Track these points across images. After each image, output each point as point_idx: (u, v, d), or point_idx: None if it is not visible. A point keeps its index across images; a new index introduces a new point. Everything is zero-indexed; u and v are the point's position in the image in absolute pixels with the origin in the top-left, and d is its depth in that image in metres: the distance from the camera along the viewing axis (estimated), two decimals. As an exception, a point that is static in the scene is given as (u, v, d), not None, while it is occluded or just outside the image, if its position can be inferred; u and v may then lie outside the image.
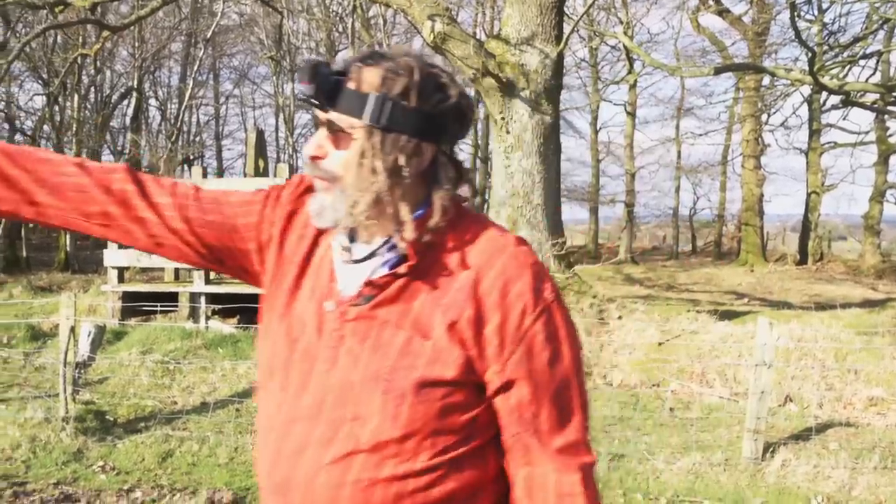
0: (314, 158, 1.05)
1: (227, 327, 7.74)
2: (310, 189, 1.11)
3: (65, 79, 15.71)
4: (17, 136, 17.61)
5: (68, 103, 17.92)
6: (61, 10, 8.05)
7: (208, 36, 20.32)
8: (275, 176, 10.72)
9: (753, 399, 4.54)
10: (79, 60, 15.64)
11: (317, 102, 1.01)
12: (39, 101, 20.23)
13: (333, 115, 1.01)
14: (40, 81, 18.47)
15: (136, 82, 20.42)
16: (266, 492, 1.11)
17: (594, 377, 6.46)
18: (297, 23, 21.39)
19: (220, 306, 8.16)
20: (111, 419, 5.13)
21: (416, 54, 1.05)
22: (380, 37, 17.50)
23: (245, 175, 12.58)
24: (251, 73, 28.75)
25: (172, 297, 8.23)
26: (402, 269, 1.04)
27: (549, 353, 1.03)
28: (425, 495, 1.01)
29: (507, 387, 1.03)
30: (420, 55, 1.05)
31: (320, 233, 1.13)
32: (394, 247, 1.05)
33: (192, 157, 23.29)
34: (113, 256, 8.49)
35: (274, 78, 23.28)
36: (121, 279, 8.67)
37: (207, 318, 8.03)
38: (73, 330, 4.98)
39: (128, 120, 22.39)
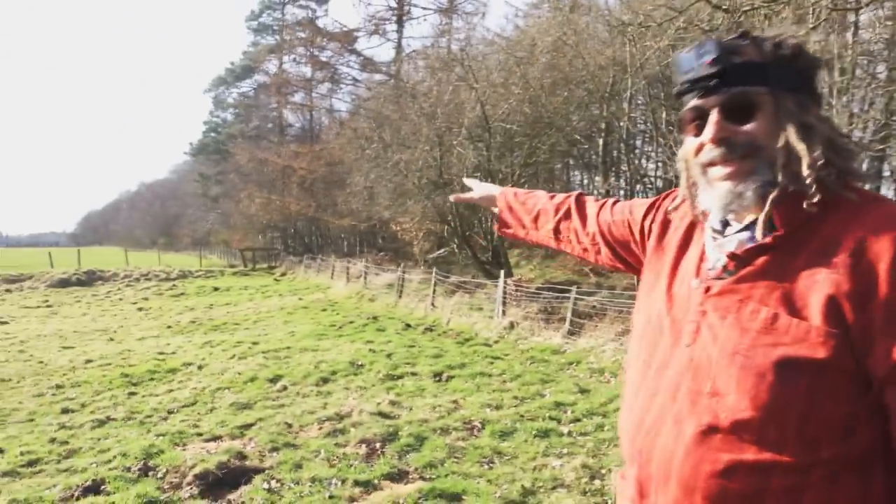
0: (722, 140, 1.06)
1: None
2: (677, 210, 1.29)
3: None
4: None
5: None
6: None
7: None
8: None
9: None
10: None
11: (714, 83, 1.06)
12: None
13: (734, 91, 1.05)
14: None
15: None
16: (628, 459, 1.16)
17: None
18: None
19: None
20: None
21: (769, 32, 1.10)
22: None
23: None
24: None
25: None
26: (768, 239, 1.04)
27: None
28: (793, 498, 0.93)
29: None
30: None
31: (693, 226, 1.23)
32: (768, 222, 1.05)
33: None
34: None
35: None
36: None
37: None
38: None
39: None
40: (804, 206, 1.01)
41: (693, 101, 1.10)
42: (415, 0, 35.70)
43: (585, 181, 27.14)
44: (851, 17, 12.60)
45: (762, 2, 9.18)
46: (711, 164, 1.08)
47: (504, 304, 11.52)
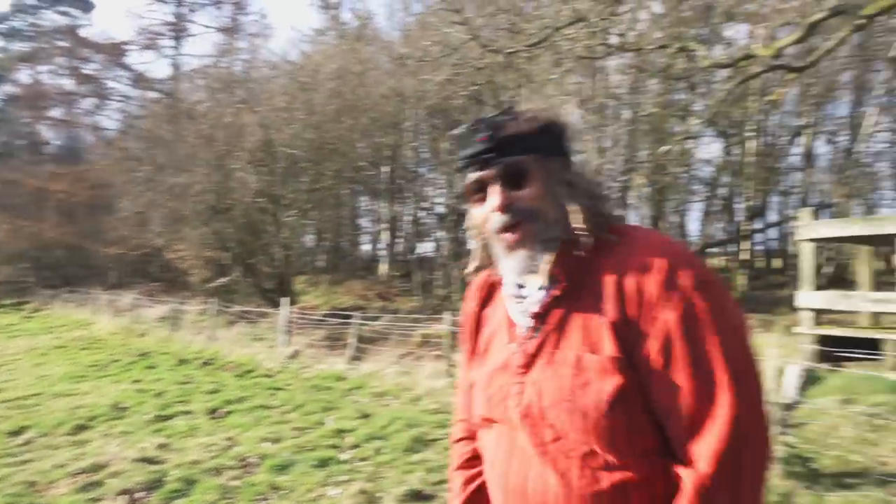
0: (505, 207, 1.17)
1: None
2: (483, 286, 1.37)
3: (744, 127, 17.08)
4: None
5: (740, 150, 18.97)
6: (747, 65, 8.24)
7: (893, 54, 17.81)
8: None
9: None
10: (760, 107, 16.56)
11: (490, 155, 1.17)
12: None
13: (508, 161, 1.17)
14: (716, 132, 19.82)
15: (808, 119, 20.01)
16: None
17: None
18: None
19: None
20: (816, 468, 4.80)
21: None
22: None
23: None
24: None
25: (872, 344, 7.57)
26: (557, 292, 1.17)
27: (695, 336, 1.06)
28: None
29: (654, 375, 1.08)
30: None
31: (491, 296, 1.35)
32: (552, 276, 1.17)
33: (866, 192, 22.19)
34: (808, 298, 8.37)
35: None
36: (816, 322, 8.32)
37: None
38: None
39: (797, 159, 21.82)
40: (574, 253, 1.15)
41: (473, 175, 1.20)
42: (194, 16, 33.98)
43: (372, 207, 27.58)
44: (602, 64, 14.33)
45: (524, 46, 10.08)
46: (503, 230, 1.18)
47: (288, 332, 11.25)
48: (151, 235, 20.15)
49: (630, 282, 1.10)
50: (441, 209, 26.01)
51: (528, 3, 12.83)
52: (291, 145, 18.07)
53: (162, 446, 5.76)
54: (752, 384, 1.06)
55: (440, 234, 23.25)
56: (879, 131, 24.12)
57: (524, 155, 1.17)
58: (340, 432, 6.11)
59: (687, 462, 1.05)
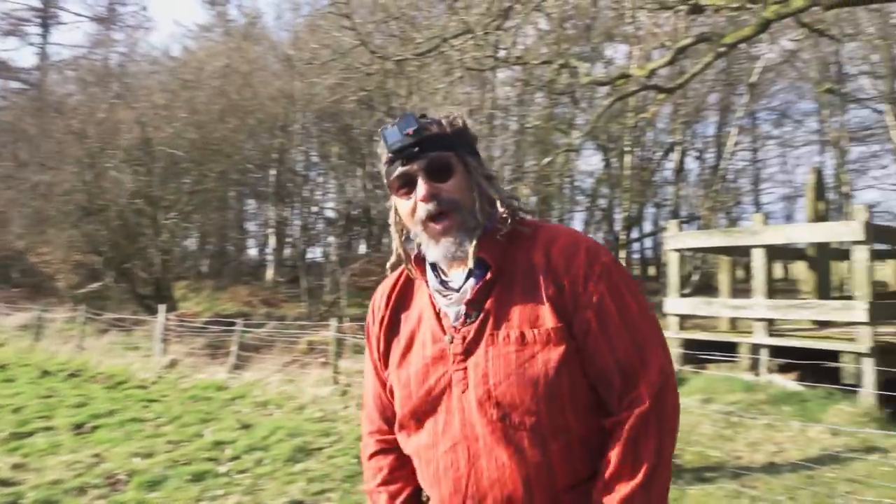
0: (432, 197, 1.25)
1: (792, 383, 7.20)
2: (392, 289, 1.42)
3: (621, 142, 18.27)
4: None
5: (618, 163, 20.19)
6: (623, 84, 8.48)
7: (753, 80, 20.28)
8: (844, 219, 9.56)
9: None
10: (636, 123, 17.58)
11: (416, 151, 1.26)
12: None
13: (433, 156, 1.26)
14: (596, 145, 21.12)
15: (679, 137, 20.96)
16: None
17: None
18: (846, 48, 20.74)
19: (782, 360, 7.58)
20: (680, 464, 4.98)
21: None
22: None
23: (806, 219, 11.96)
24: (790, 110, 26.45)
25: (730, 347, 7.97)
26: (489, 276, 1.26)
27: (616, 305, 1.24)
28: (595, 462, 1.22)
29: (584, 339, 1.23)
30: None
31: (407, 296, 1.40)
32: (477, 265, 1.27)
33: (729, 206, 23.46)
34: (674, 304, 8.66)
35: (824, 111, 22.90)
36: (681, 326, 8.60)
37: (769, 371, 7.57)
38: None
39: (670, 174, 22.77)
40: (497, 238, 1.26)
41: (400, 169, 1.28)
42: (65, 3, 31.74)
43: (259, 210, 26.80)
44: (491, 75, 14.68)
45: (413, 55, 10.17)
46: (430, 219, 1.26)
47: (165, 340, 10.72)
48: (12, 237, 18.58)
49: (558, 262, 1.25)
50: (331, 214, 25.72)
51: (419, 11, 12.96)
52: (172, 144, 17.26)
53: (17, 466, 5.33)
54: (664, 339, 1.28)
55: (329, 239, 22.96)
56: (741, 150, 26.45)
57: (446, 152, 1.28)
58: (219, 444, 5.89)
59: (624, 406, 1.21)
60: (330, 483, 4.86)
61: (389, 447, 1.43)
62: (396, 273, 1.43)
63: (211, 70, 19.26)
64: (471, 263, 1.27)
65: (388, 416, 1.43)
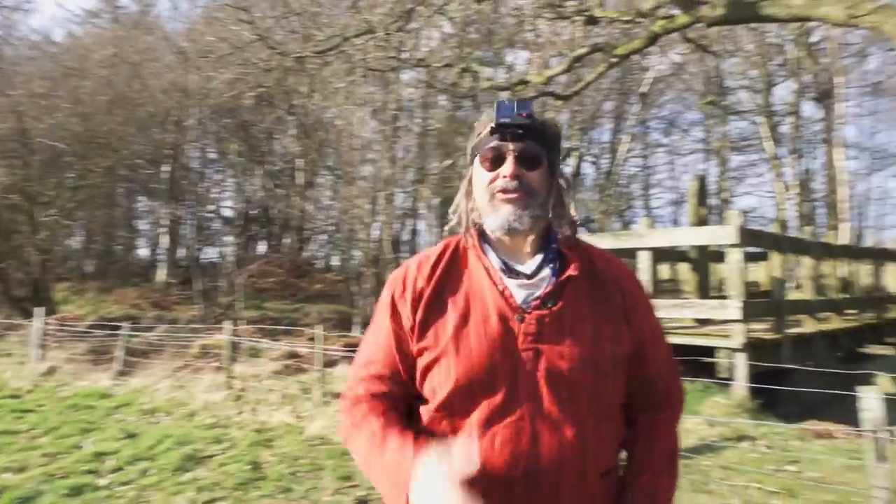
0: (515, 177, 1.33)
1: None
2: (439, 261, 1.42)
3: None
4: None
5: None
6: (522, 89, 8.56)
7: (644, 90, 21.61)
8: (723, 223, 9.27)
9: None
10: None
11: (520, 132, 1.33)
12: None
13: (530, 143, 1.34)
14: None
15: (576, 143, 21.07)
16: (502, 486, 1.26)
17: None
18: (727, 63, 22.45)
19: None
20: None
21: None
22: (826, 62, 18.37)
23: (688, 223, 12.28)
24: (678, 119, 27.85)
25: None
26: (574, 272, 1.34)
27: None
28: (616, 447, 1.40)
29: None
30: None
31: (449, 270, 1.41)
32: (552, 258, 1.37)
33: (622, 210, 24.29)
34: None
35: (708, 122, 24.79)
36: None
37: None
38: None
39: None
40: (570, 240, 1.38)
41: (498, 142, 1.34)
42: (-73, -21, 29.03)
43: (150, 208, 25.52)
44: (394, 76, 14.63)
45: (312, 52, 10.00)
46: (503, 191, 1.33)
47: (43, 346, 10.02)
48: None
49: (617, 273, 1.41)
50: (228, 213, 24.85)
51: (321, 8, 12.75)
52: (53, 136, 16.13)
53: None
54: None
55: (226, 238, 22.18)
56: (632, 156, 27.75)
57: (542, 145, 1.36)
58: (100, 455, 5.57)
59: (664, 408, 1.42)
60: (221, 492, 4.70)
61: (387, 391, 1.40)
62: (436, 250, 1.45)
63: (98, 58, 18.18)
64: (543, 259, 1.37)
65: (395, 373, 1.40)
